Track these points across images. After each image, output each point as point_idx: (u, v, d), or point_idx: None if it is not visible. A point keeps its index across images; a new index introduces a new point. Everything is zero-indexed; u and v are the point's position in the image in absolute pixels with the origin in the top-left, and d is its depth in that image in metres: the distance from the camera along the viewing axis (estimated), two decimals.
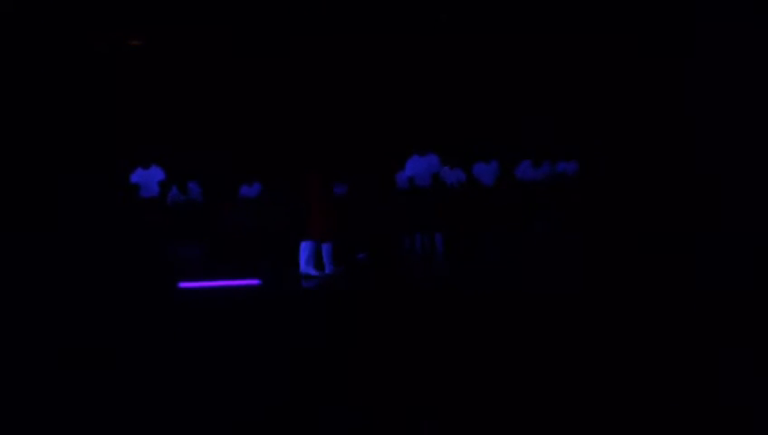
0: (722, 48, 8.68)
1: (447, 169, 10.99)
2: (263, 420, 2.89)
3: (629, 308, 4.91)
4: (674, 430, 2.52)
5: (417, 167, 10.28)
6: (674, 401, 2.82)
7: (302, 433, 2.73)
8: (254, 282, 7.62)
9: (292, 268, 8.35)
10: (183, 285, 7.45)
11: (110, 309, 6.00)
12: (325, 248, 8.16)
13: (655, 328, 4.22)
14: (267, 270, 8.67)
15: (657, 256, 7.87)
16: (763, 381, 3.01)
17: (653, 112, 10.74)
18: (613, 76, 11.79)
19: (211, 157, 12.08)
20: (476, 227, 11.02)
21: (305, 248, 8.09)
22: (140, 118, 12.17)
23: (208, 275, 8.27)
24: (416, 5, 12.27)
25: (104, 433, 2.79)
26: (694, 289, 5.58)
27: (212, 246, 10.63)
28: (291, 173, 9.85)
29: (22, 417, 3.01)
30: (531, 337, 4.18)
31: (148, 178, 11.24)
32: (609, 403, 2.86)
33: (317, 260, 8.19)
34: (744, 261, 6.98)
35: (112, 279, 8.08)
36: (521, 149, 11.91)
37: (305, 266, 8.06)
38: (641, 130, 10.93)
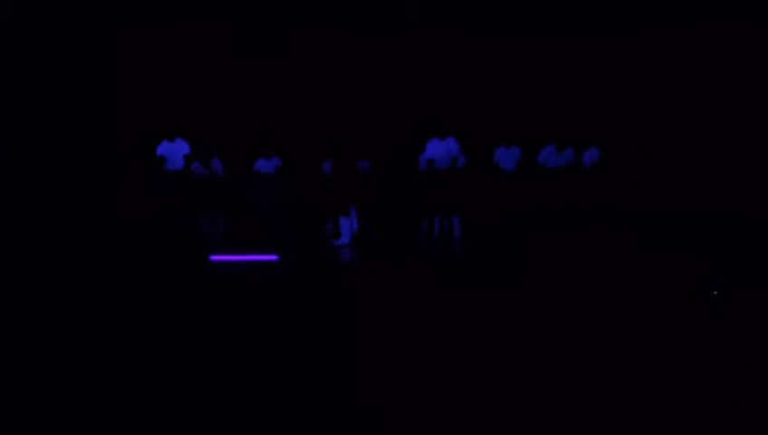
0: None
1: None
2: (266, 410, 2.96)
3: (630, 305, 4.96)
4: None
5: (437, 150, 10.32)
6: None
7: (307, 426, 2.79)
8: (273, 258, 7.74)
9: (311, 244, 8.52)
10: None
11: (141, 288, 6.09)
12: (343, 221, 9.29)
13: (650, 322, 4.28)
14: (287, 246, 8.78)
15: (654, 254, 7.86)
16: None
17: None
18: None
19: (233, 132, 12.15)
20: (494, 211, 10.98)
21: (343, 222, 9.27)
22: (162, 90, 12.23)
23: (228, 249, 8.39)
24: None
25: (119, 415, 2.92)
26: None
27: (233, 221, 10.75)
28: (316, 149, 10.09)
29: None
30: (532, 330, 4.24)
31: (174, 150, 11.35)
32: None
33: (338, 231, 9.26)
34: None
35: (143, 257, 8.19)
36: (544, 133, 11.75)
37: (345, 238, 9.19)
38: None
